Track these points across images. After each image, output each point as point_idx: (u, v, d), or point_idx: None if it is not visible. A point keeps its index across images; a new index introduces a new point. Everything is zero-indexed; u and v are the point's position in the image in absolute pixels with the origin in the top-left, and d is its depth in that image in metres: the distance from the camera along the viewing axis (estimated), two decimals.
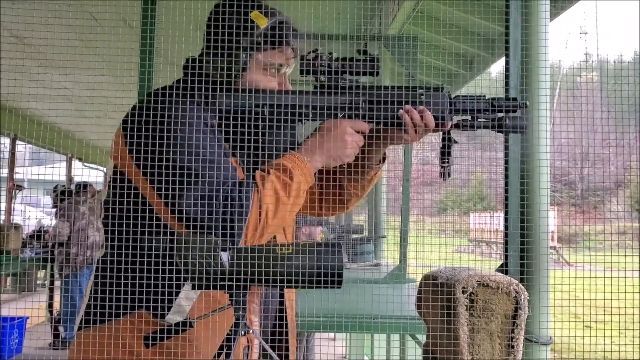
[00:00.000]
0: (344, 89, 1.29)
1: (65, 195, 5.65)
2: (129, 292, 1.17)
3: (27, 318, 5.61)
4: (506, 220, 1.74)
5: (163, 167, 1.14)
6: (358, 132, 1.27)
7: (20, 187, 7.85)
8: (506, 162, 1.76)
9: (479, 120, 1.30)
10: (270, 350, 1.09)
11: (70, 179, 8.27)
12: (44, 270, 7.48)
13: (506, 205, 1.74)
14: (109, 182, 1.25)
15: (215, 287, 1.03)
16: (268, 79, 1.32)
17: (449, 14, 4.04)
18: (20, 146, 8.38)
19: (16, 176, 8.04)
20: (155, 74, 2.15)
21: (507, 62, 1.80)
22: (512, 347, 1.18)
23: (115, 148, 1.24)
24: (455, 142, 1.30)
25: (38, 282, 8.67)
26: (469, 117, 1.30)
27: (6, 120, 6.73)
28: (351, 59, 1.28)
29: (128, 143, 1.19)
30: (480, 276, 1.18)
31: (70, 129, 8.55)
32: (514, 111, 1.31)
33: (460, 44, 4.36)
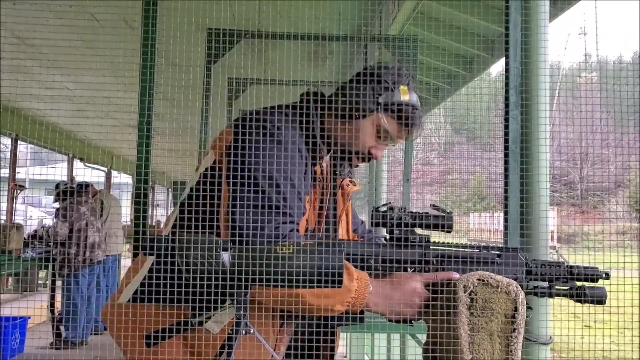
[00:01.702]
0: (416, 243, 1.27)
1: (67, 195, 5.64)
2: (178, 285, 1.15)
3: (29, 318, 5.61)
4: (506, 220, 1.75)
5: (245, 178, 1.20)
6: (427, 285, 1.26)
7: (21, 187, 7.86)
8: (506, 162, 1.76)
9: (556, 288, 1.28)
10: (274, 353, 1.10)
11: (71, 178, 8.28)
12: (45, 270, 7.49)
13: (506, 206, 1.75)
14: (202, 172, 1.30)
15: (215, 287, 1.04)
16: (371, 138, 1.38)
17: (449, 15, 4.05)
18: (22, 146, 8.38)
19: (18, 176, 8.04)
20: (156, 75, 2.16)
21: (507, 63, 1.81)
22: (510, 349, 1.18)
23: (220, 145, 1.30)
24: (530, 308, 1.24)
25: (39, 282, 8.68)
26: (546, 284, 1.29)
27: (8, 121, 6.74)
28: (425, 215, 1.28)
29: (233, 141, 1.25)
30: (480, 274, 1.19)
31: (72, 129, 8.56)
32: (594, 280, 1.29)
33: (460, 45, 4.36)
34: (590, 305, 1.29)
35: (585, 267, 1.29)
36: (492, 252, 1.29)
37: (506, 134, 1.76)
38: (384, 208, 1.27)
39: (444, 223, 1.27)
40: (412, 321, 1.27)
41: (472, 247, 1.30)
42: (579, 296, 1.27)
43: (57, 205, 5.76)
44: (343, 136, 1.37)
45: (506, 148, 1.76)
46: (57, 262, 5.52)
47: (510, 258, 1.28)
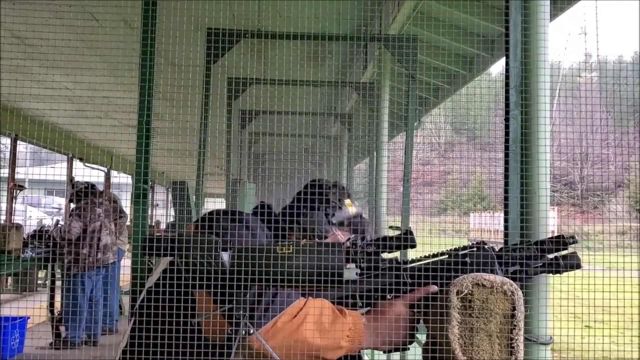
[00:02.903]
0: (384, 270, 1.28)
1: (82, 195, 5.64)
2: None
3: (28, 318, 5.61)
4: (506, 220, 1.75)
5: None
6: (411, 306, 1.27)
7: (21, 187, 7.85)
8: (506, 162, 1.76)
9: (532, 267, 1.29)
10: (273, 354, 1.10)
11: (70, 179, 8.28)
12: (45, 270, 7.49)
13: (506, 206, 1.75)
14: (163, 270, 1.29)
15: (215, 287, 1.03)
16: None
17: (449, 15, 4.04)
18: (22, 146, 8.38)
19: (17, 176, 8.04)
20: (156, 75, 2.16)
21: (507, 63, 1.80)
22: (512, 347, 1.18)
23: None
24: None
25: (39, 282, 8.67)
26: (521, 267, 1.29)
27: (7, 121, 6.74)
28: (385, 238, 1.30)
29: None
30: (474, 276, 1.18)
31: (71, 129, 8.57)
32: (565, 249, 1.30)
33: (460, 45, 4.36)
34: (568, 272, 1.30)
35: (551, 239, 1.30)
36: (460, 252, 1.29)
37: (506, 133, 1.76)
38: (347, 244, 1.28)
39: (407, 241, 1.28)
40: (405, 349, 1.27)
41: (441, 254, 1.30)
42: (556, 267, 1.28)
43: (60, 204, 5.75)
44: None
45: (506, 148, 1.76)
46: (65, 262, 5.52)
47: (479, 256, 1.28)
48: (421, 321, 1.30)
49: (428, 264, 1.29)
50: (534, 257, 1.29)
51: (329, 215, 1.46)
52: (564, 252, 1.30)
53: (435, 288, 1.26)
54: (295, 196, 1.51)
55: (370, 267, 1.27)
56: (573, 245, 1.31)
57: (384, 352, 1.27)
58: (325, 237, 1.43)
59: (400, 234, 1.28)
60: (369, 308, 1.27)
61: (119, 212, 6.46)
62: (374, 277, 1.27)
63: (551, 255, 1.30)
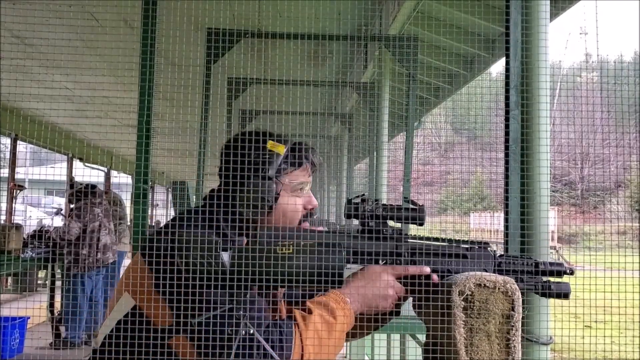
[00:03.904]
0: (389, 237, 1.26)
1: (82, 195, 5.65)
2: None
3: (28, 318, 5.61)
4: (506, 220, 1.75)
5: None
6: (399, 278, 1.24)
7: (21, 187, 7.85)
8: (506, 162, 1.76)
9: (523, 282, 1.28)
10: (271, 351, 1.09)
11: (70, 179, 8.28)
12: (45, 270, 7.49)
13: (506, 205, 1.75)
14: (123, 318, 1.17)
15: (215, 287, 1.03)
16: (297, 200, 1.32)
17: (450, 14, 4.05)
18: (21, 146, 8.38)
19: (17, 176, 8.04)
20: (156, 74, 2.16)
21: (507, 62, 1.81)
22: (509, 347, 1.18)
23: (136, 282, 1.17)
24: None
25: (39, 282, 8.68)
26: (512, 278, 1.27)
27: (7, 120, 6.74)
28: (398, 208, 1.26)
29: (153, 278, 1.14)
30: (477, 277, 1.18)
31: (71, 129, 8.57)
32: (559, 276, 1.29)
33: (460, 44, 4.36)
34: (556, 299, 1.29)
35: (551, 263, 1.30)
36: (463, 245, 1.29)
37: (507, 133, 1.76)
38: (357, 200, 1.25)
39: (415, 216, 1.25)
40: (383, 319, 1.27)
41: (442, 240, 1.30)
42: (544, 289, 1.28)
43: (60, 203, 5.77)
44: (277, 221, 1.29)
45: (507, 148, 1.76)
46: (65, 262, 5.53)
47: (480, 252, 1.28)
48: (423, 321, 1.30)
49: (429, 244, 1.28)
50: (529, 274, 1.29)
51: (265, 174, 1.24)
52: (556, 280, 1.30)
53: (428, 270, 1.24)
54: (222, 180, 1.28)
55: (374, 229, 1.25)
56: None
57: (368, 313, 1.25)
58: (277, 198, 1.26)
59: (411, 207, 1.26)
60: (362, 267, 1.25)
61: (118, 217, 6.46)
62: (374, 240, 1.26)
63: (545, 278, 1.29)
